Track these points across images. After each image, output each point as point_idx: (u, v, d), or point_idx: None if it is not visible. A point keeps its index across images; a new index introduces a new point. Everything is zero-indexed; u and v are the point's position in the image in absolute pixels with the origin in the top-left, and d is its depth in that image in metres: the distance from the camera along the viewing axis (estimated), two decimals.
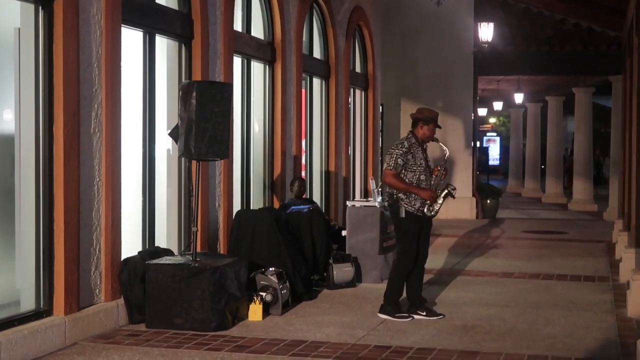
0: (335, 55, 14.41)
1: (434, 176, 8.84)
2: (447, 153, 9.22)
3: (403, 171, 8.68)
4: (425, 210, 8.69)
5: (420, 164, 8.72)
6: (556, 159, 26.68)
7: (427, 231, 9.00)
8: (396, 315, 8.63)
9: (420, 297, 8.88)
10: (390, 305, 8.71)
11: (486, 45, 19.58)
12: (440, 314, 8.77)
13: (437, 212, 8.79)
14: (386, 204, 9.00)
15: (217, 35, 9.96)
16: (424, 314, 8.71)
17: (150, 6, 8.87)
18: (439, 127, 8.96)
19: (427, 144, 8.96)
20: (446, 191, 8.81)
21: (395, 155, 8.67)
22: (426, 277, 11.12)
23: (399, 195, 8.69)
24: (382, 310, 8.73)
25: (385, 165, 8.79)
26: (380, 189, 9.08)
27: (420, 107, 9.20)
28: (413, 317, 8.67)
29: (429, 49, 20.52)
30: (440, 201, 8.76)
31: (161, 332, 7.85)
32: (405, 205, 8.67)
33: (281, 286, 8.82)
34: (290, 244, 9.88)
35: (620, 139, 19.75)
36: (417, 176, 8.70)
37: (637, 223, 10.66)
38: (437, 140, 9.01)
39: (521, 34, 20.84)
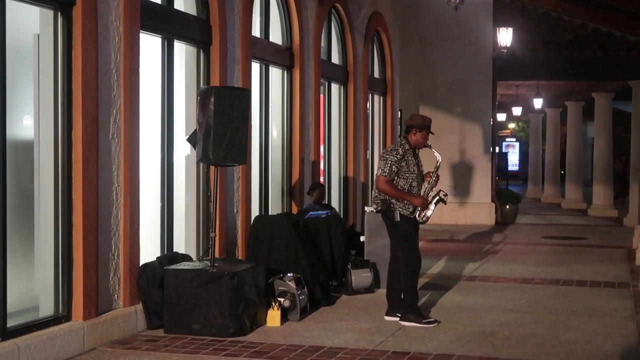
0: (353, 60, 14.40)
1: (425, 182, 8.92)
2: (440, 160, 9.14)
3: (396, 178, 8.71)
4: (417, 216, 8.75)
5: (413, 170, 8.78)
6: (576, 164, 26.54)
7: (417, 235, 9.10)
8: (423, 321, 8.59)
9: (400, 299, 8.85)
10: (413, 312, 8.67)
11: (505, 51, 19.53)
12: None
13: (428, 219, 8.87)
14: (379, 209, 8.96)
15: (235, 41, 9.97)
16: (401, 316, 8.72)
17: (168, 12, 8.89)
18: (432, 134, 8.96)
19: (419, 150, 8.99)
20: (437, 197, 8.88)
21: (390, 162, 8.70)
22: (445, 283, 11.14)
23: (392, 200, 8.71)
24: (404, 319, 8.66)
25: (379, 172, 8.79)
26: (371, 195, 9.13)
27: (413, 114, 9.27)
28: (439, 322, 8.65)
29: (448, 54, 20.47)
30: (432, 207, 8.83)
31: (179, 337, 7.85)
32: (400, 209, 8.72)
33: (299, 292, 8.80)
34: (309, 250, 9.87)
35: None
36: (409, 183, 8.77)
37: None
38: (430, 147, 9.01)
39: (540, 39, 20.76)
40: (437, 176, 9.00)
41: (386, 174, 8.69)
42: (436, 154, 9.10)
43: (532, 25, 21.12)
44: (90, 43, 7.38)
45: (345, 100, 14.41)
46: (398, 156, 8.73)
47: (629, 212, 20.65)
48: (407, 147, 8.83)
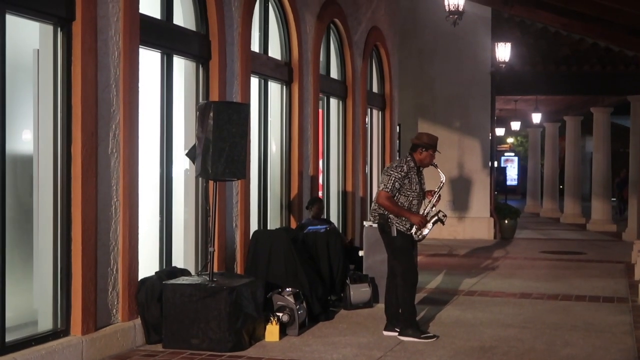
0: (352, 75, 14.43)
1: (427, 201, 8.90)
2: (443, 180, 9.10)
3: (397, 194, 8.71)
4: (414, 233, 8.74)
5: (415, 189, 8.78)
6: (574, 179, 26.54)
7: (415, 251, 9.08)
8: (422, 336, 8.58)
9: (399, 314, 8.84)
10: (411, 327, 8.66)
11: (503, 65, 19.55)
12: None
13: (424, 237, 8.86)
14: (377, 223, 8.97)
15: (234, 56, 10.00)
16: (399, 331, 8.71)
17: (168, 27, 8.92)
18: (438, 152, 8.96)
19: (424, 168, 8.98)
20: (436, 217, 8.84)
21: (393, 178, 8.70)
22: (443, 298, 11.13)
23: (390, 215, 8.72)
24: (403, 334, 8.66)
25: (381, 186, 8.80)
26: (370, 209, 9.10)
27: (419, 133, 9.21)
28: (438, 337, 8.64)
29: (446, 69, 20.52)
30: (429, 226, 8.80)
31: (178, 352, 7.84)
32: (397, 225, 8.72)
33: (298, 306, 8.80)
34: (307, 264, 9.87)
35: (638, 158, 19.66)
36: (409, 200, 8.76)
37: None
38: (435, 166, 9.00)
39: (539, 54, 20.81)
40: (439, 196, 8.99)
41: (388, 190, 8.69)
42: (441, 174, 9.07)
43: (531, 40, 21.17)
44: (89, 58, 7.40)
45: (344, 115, 14.43)
46: (402, 173, 8.73)
47: (628, 227, 20.64)
48: (412, 164, 8.82)
